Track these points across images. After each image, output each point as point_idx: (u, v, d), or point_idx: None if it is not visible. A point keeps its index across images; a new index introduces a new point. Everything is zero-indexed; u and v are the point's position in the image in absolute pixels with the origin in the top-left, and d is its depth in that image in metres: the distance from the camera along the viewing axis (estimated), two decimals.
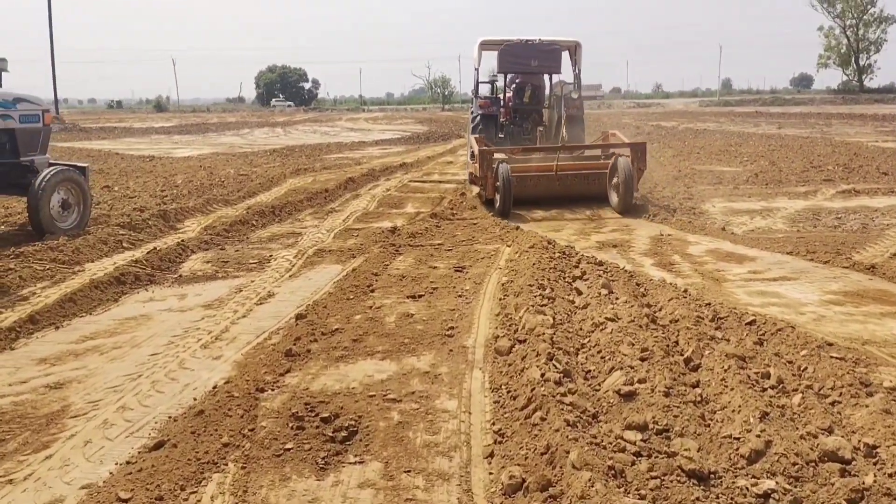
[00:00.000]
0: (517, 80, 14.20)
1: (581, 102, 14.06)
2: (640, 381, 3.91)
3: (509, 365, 4.44)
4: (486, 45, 14.03)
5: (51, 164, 9.02)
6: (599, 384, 4.03)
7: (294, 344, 5.06)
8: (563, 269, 6.97)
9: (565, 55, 13.90)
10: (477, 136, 12.91)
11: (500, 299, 6.14)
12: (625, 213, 10.76)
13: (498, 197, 10.79)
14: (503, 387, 4.17)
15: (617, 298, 5.88)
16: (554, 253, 7.52)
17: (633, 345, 4.58)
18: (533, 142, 13.29)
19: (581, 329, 5.13)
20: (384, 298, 6.33)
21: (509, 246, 8.52)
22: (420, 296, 6.40)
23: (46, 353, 5.18)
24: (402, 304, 6.11)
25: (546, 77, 14.40)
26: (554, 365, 4.04)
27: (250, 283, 7.13)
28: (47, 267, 7.29)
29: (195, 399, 4.20)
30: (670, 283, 6.47)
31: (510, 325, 5.19)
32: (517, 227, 9.38)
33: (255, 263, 7.93)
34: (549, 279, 6.39)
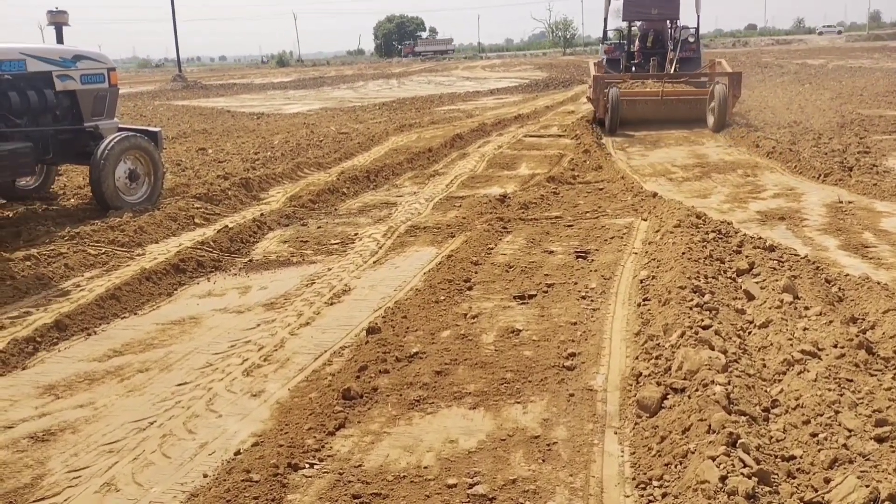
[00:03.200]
0: (642, 27, 15.82)
1: (698, 45, 15.35)
2: (891, 499, 2.31)
3: (662, 437, 2.92)
4: None
5: (120, 130, 8.03)
6: (819, 494, 2.46)
7: (357, 377, 3.74)
8: (722, 258, 5.30)
9: (687, 2, 16.32)
10: (596, 62, 15.14)
11: (639, 305, 4.58)
12: (718, 132, 12.36)
13: (607, 117, 12.63)
14: (654, 482, 2.67)
15: (807, 308, 4.19)
16: (707, 233, 5.83)
17: (856, 406, 2.95)
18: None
19: (765, 367, 3.52)
20: (483, 300, 4.90)
21: (645, 220, 6.86)
22: (530, 296, 4.92)
23: (58, 376, 4.12)
24: (505, 311, 4.67)
25: (668, 22, 15.63)
26: (741, 459, 2.50)
27: (326, 271, 5.89)
28: (103, 251, 6.34)
29: (205, 476, 2.96)
30: (877, 283, 4.67)
31: (657, 356, 3.65)
32: (655, 195, 7.65)
33: (336, 244, 6.69)
34: (705, 276, 4.75)
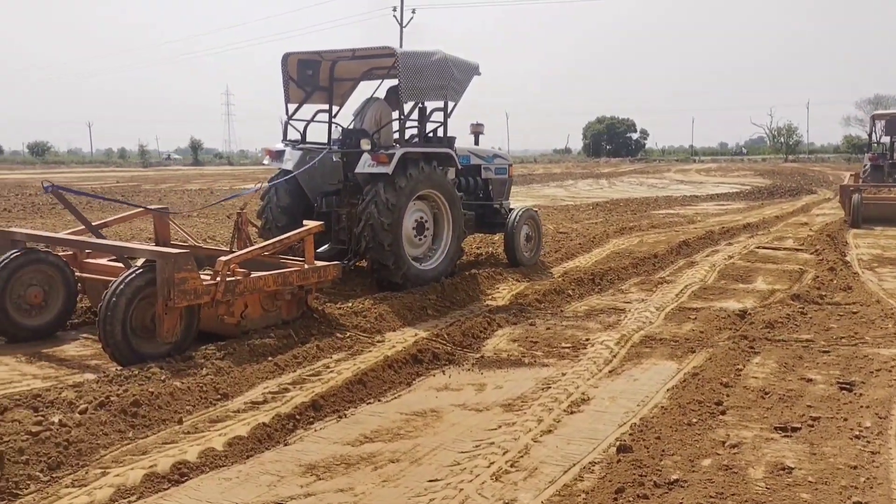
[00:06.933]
0: None
1: None
2: None
3: None
4: (876, 117, 20.38)
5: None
6: None
7: (614, 499, 3.57)
8: None
9: None
10: (852, 173, 19.82)
11: None
12: None
13: (850, 215, 16.06)
14: None
15: None
16: None
17: None
18: None
19: None
20: (741, 428, 4.55)
21: None
22: (795, 429, 4.50)
23: (317, 456, 4.34)
24: (769, 444, 4.29)
25: None
26: None
27: (560, 376, 5.81)
28: (348, 334, 6.72)
29: None
30: None
31: None
32: None
33: (567, 348, 6.61)
34: None
